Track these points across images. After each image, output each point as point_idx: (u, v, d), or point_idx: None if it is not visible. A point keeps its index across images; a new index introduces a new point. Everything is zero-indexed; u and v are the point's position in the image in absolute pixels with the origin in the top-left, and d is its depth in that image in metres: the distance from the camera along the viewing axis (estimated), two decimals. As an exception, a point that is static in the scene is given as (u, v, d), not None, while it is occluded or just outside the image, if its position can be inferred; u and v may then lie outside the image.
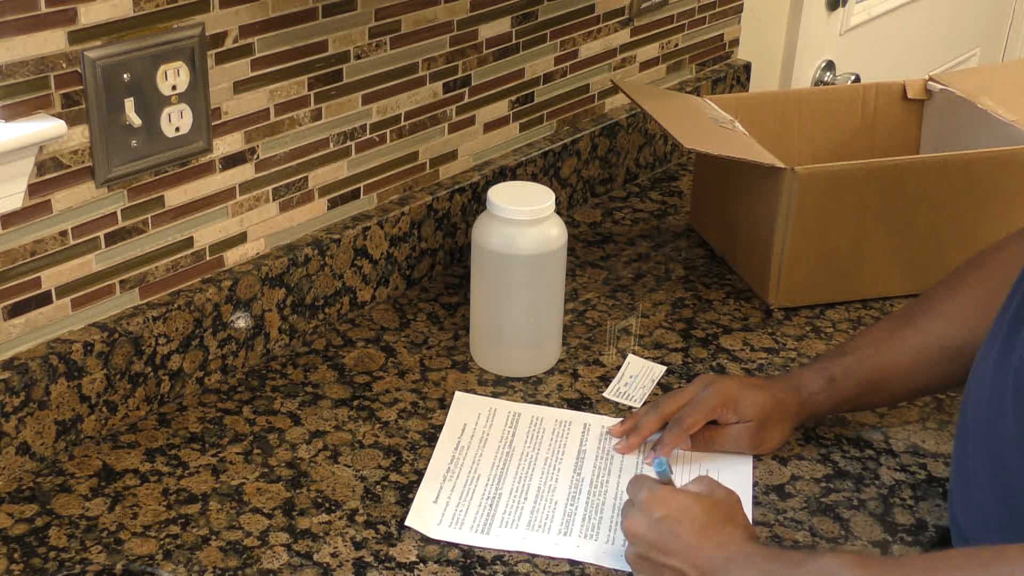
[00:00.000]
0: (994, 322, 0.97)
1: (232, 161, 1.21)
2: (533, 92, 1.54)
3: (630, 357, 1.31)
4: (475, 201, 1.46)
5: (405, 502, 1.08)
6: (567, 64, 1.58)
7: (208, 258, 1.22)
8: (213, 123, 1.17)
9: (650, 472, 1.12)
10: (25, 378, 1.07)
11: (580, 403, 1.24)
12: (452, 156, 1.46)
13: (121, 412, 1.16)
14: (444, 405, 1.22)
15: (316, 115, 1.27)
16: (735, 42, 1.89)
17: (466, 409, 1.21)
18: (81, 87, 1.05)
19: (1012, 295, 0.95)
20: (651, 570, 0.97)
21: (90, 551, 1.01)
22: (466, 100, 1.44)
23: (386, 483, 1.11)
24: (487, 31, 1.43)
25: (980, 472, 0.94)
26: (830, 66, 2.15)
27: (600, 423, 1.20)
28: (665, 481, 1.01)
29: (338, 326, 1.35)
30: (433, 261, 1.45)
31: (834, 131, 1.61)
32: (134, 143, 1.10)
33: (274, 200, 1.27)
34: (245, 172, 1.22)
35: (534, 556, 1.03)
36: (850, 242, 1.39)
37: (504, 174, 1.50)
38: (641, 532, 0.97)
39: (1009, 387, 0.90)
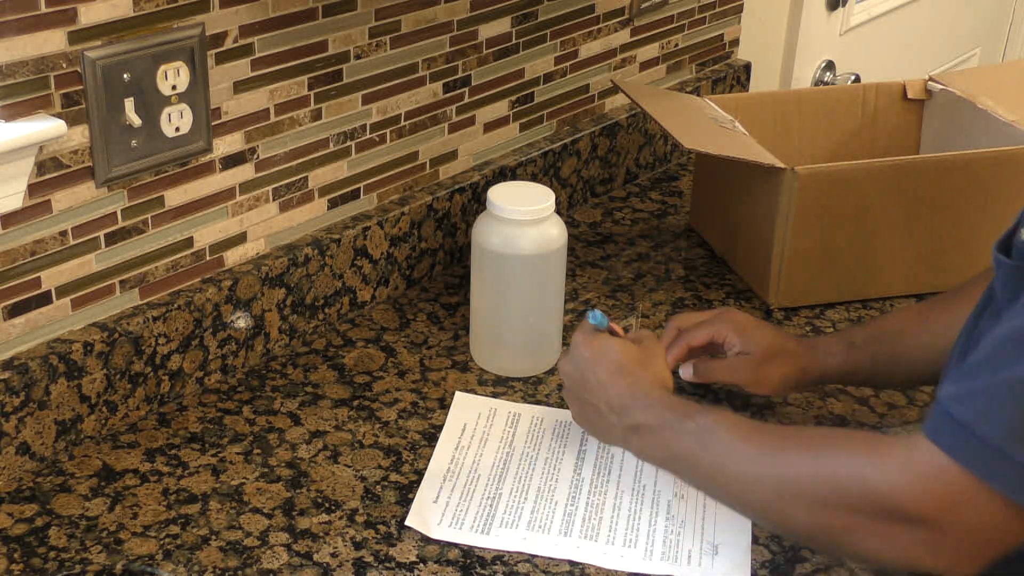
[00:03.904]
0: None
1: (232, 161, 1.21)
2: (533, 92, 1.54)
3: (630, 357, 1.31)
4: (475, 201, 1.46)
5: (405, 502, 1.08)
6: (567, 64, 1.57)
7: (208, 258, 1.22)
8: (213, 123, 1.17)
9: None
10: (25, 378, 1.07)
11: (580, 403, 1.24)
12: (452, 156, 1.46)
13: (121, 412, 1.16)
14: (444, 405, 1.22)
15: (316, 115, 1.27)
16: (735, 42, 1.89)
17: (466, 409, 1.21)
18: (81, 87, 1.05)
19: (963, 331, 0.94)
20: (578, 405, 1.09)
21: (90, 551, 1.01)
22: (466, 100, 1.44)
23: (386, 483, 1.11)
24: (487, 31, 1.43)
25: None
26: (830, 66, 2.15)
27: (600, 423, 1.20)
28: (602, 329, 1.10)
29: (338, 326, 1.35)
30: (433, 261, 1.45)
31: (834, 131, 1.61)
32: (134, 143, 1.10)
33: (274, 200, 1.27)
34: (245, 172, 1.22)
35: (534, 556, 1.03)
36: (850, 242, 1.39)
37: (504, 174, 1.50)
38: (568, 370, 1.09)
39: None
